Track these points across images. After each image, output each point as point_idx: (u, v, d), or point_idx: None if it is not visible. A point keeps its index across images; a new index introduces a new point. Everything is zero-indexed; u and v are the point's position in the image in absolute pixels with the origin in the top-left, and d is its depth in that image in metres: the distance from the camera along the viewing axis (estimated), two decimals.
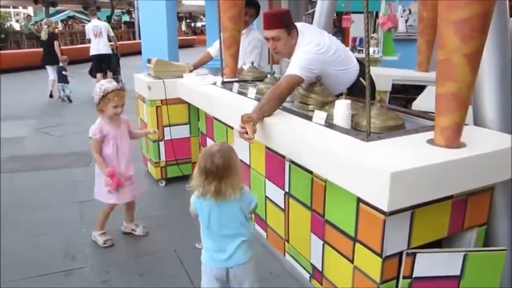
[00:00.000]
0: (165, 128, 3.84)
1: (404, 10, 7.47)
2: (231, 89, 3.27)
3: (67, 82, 8.93)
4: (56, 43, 9.18)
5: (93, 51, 9.15)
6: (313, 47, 2.62)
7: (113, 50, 9.48)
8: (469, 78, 1.71)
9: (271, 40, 2.70)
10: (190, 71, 3.90)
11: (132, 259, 2.86)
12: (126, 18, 24.20)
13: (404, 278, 1.86)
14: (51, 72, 9.24)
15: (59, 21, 20.52)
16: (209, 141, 3.69)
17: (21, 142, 5.68)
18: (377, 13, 7.38)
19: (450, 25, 1.66)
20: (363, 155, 1.78)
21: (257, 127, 2.37)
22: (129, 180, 2.90)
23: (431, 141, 1.87)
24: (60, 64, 9.03)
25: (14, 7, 22.33)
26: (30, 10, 22.71)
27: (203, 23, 24.13)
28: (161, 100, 3.76)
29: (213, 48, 4.24)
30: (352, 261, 1.99)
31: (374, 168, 1.64)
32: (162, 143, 3.88)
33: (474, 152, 1.77)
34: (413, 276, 1.87)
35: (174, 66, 3.96)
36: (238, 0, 3.53)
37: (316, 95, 2.61)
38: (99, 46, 9.10)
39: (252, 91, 2.95)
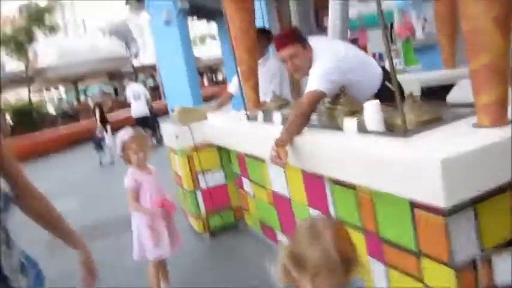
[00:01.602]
0: (199, 176, 3.76)
1: (419, 17, 7.31)
2: (256, 121, 3.17)
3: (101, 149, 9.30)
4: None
5: (135, 113, 9.72)
6: (329, 57, 2.51)
7: (150, 110, 10.04)
8: (501, 46, 1.54)
9: (288, 60, 2.61)
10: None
11: None
12: (150, 83, 25.15)
13: None
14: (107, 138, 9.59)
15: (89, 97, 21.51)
16: (245, 181, 3.57)
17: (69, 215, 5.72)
18: (392, 24, 7.23)
19: None
20: (405, 150, 1.62)
21: (288, 150, 2.25)
22: (171, 230, 2.79)
23: (475, 125, 1.67)
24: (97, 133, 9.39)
25: (46, 89, 23.66)
26: (60, 89, 24.01)
27: (223, 75, 24.77)
28: (191, 147, 3.70)
29: (233, 86, 4.20)
30: (421, 281, 1.76)
31: (421, 161, 1.47)
32: (199, 193, 3.78)
33: None
34: (496, 285, 1.62)
35: (198, 111, 3.93)
36: (251, 30, 3.50)
37: (343, 106, 2.45)
38: (139, 108, 9.68)
39: (277, 116, 2.84)
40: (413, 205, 1.68)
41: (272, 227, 3.22)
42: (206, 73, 31.21)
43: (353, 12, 6.97)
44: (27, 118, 14.98)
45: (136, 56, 23.23)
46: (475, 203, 1.56)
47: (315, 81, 2.43)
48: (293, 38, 2.59)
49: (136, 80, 19.62)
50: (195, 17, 13.01)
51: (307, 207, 2.58)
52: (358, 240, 2.11)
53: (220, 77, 31.18)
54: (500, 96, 1.58)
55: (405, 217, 1.73)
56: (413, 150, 1.58)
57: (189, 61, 10.11)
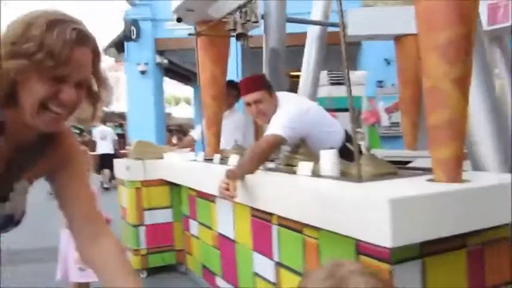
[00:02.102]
0: (145, 212, 3.59)
1: (386, 108, 7.70)
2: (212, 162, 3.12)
3: None
4: None
5: (99, 151, 9.87)
6: (293, 107, 2.55)
7: (114, 151, 10.24)
8: (461, 105, 1.60)
9: (253, 105, 2.63)
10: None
11: None
12: (118, 130, 24.82)
13: None
14: None
15: None
16: (192, 223, 3.43)
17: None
18: (360, 109, 7.56)
19: (433, 50, 1.59)
20: (357, 192, 1.59)
21: (241, 188, 2.19)
22: None
23: (431, 180, 1.69)
24: None
25: None
26: None
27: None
28: (141, 182, 3.57)
29: (195, 132, 4.19)
30: None
31: (369, 199, 1.44)
32: (142, 229, 3.59)
33: (481, 184, 1.58)
34: None
35: (156, 147, 3.85)
36: (220, 78, 3.57)
37: (302, 155, 2.46)
38: (104, 147, 9.93)
39: (234, 158, 2.80)
40: (359, 252, 1.63)
41: (213, 272, 3.06)
42: (175, 131, 31.26)
43: (323, 92, 7.27)
44: None
45: (107, 105, 23.00)
46: (423, 255, 1.53)
47: (276, 126, 2.44)
48: (260, 84, 2.64)
49: (104, 124, 19.41)
50: (172, 79, 13.36)
51: (251, 251, 2.47)
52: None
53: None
54: (457, 152, 1.61)
55: None
56: (362, 191, 1.56)
57: (159, 113, 10.18)
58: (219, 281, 2.97)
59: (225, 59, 3.67)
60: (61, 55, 0.88)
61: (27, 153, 1.03)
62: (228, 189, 2.11)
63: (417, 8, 1.65)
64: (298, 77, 4.62)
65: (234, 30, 3.01)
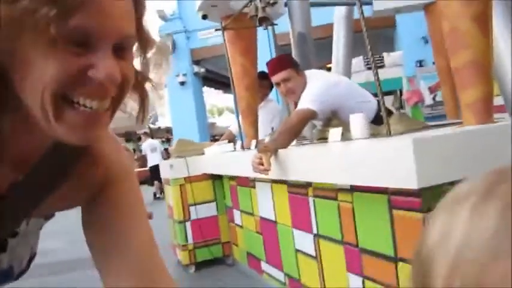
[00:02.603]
0: (190, 208, 3.67)
1: (429, 88, 7.46)
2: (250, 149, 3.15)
3: None
4: None
5: (150, 163, 10.15)
6: (322, 81, 2.54)
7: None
8: (483, 43, 1.53)
9: (281, 84, 2.65)
10: None
11: None
12: (165, 145, 25.54)
13: None
14: None
15: None
16: (236, 213, 3.47)
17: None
18: (401, 91, 7.38)
19: None
20: (385, 143, 1.56)
21: (275, 163, 2.20)
22: None
23: (461, 125, 1.63)
24: None
25: None
26: None
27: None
28: (184, 178, 3.66)
29: (233, 126, 4.24)
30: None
31: (395, 146, 1.42)
32: (188, 224, 3.67)
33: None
34: None
35: (196, 144, 3.94)
36: (250, 69, 3.60)
37: (335, 127, 2.44)
38: (155, 158, 10.09)
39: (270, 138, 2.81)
40: (392, 206, 1.60)
41: (258, 257, 3.08)
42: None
43: (361, 77, 7.16)
44: None
45: (154, 122, 23.82)
46: None
47: (306, 101, 2.45)
48: (287, 63, 2.65)
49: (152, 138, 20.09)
50: (212, 88, 13.63)
51: (291, 228, 2.47)
52: (338, 255, 2.00)
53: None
54: (486, 92, 1.54)
55: (384, 221, 1.64)
56: (392, 141, 1.53)
57: (201, 123, 10.40)
58: (264, 266, 2.99)
59: (254, 51, 3.70)
60: None
61: (36, 177, 0.61)
62: (261, 164, 2.12)
63: None
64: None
65: (256, 16, 3.03)
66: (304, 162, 2.07)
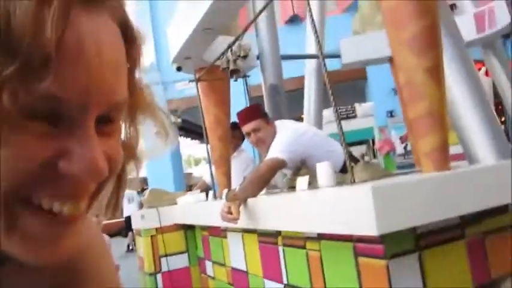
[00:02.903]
0: (161, 259, 3.59)
1: (400, 137, 7.69)
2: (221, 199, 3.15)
3: None
4: None
5: (126, 213, 9.83)
6: (291, 130, 2.61)
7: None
8: (437, 93, 1.62)
9: (252, 133, 2.70)
10: None
11: None
12: (141, 196, 25.18)
13: None
14: None
15: None
16: (207, 264, 3.40)
17: None
18: (373, 140, 7.57)
19: (403, 45, 1.64)
20: (347, 191, 1.59)
21: (244, 212, 2.21)
22: None
23: (420, 173, 1.68)
24: None
25: None
26: None
27: None
28: (156, 229, 3.60)
29: (207, 175, 4.24)
30: None
31: (356, 193, 1.45)
32: (159, 276, 3.57)
33: (469, 168, 1.57)
34: None
35: (169, 194, 3.91)
36: (224, 120, 3.66)
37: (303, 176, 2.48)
38: (131, 209, 9.77)
39: None
40: (357, 253, 1.61)
41: None
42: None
43: (333, 127, 7.32)
44: None
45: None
46: (420, 248, 1.50)
47: (276, 150, 2.49)
48: (256, 113, 2.72)
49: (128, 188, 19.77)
50: (188, 138, 13.69)
51: (262, 279, 2.44)
52: None
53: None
54: (442, 141, 1.61)
55: (350, 269, 1.64)
56: (354, 189, 1.57)
57: (176, 174, 10.35)
58: None
59: (227, 102, 3.78)
60: (41, 40, 0.29)
61: None
62: (230, 213, 2.13)
63: (382, 9, 1.73)
64: None
65: (228, 68, 3.13)
66: (273, 210, 2.08)
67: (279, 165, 2.45)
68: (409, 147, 7.63)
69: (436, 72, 1.62)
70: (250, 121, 2.68)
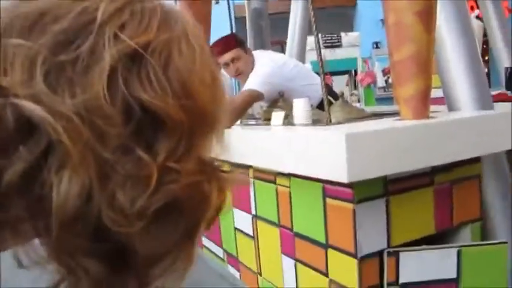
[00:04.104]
0: None
1: (383, 70, 7.59)
2: None
3: None
4: None
5: None
6: (269, 61, 2.52)
7: None
8: (425, 38, 1.54)
9: (230, 64, 2.60)
10: None
11: None
12: None
13: (389, 285, 1.54)
14: None
15: None
16: None
17: None
18: (355, 71, 7.47)
19: None
20: (321, 133, 1.56)
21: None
22: None
23: (397, 119, 1.65)
24: None
25: None
26: None
27: None
28: None
29: None
30: (327, 275, 1.67)
31: (329, 138, 1.41)
32: None
33: (447, 118, 1.54)
34: (400, 281, 1.55)
35: None
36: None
37: (280, 109, 2.42)
38: None
39: None
40: (326, 194, 1.61)
41: None
42: None
43: (315, 56, 7.17)
44: None
45: None
46: (388, 194, 1.51)
47: (252, 82, 2.42)
48: (234, 43, 2.60)
49: None
50: None
51: (231, 207, 2.47)
52: (274, 236, 2.02)
53: None
54: (423, 88, 1.56)
55: (318, 208, 1.66)
56: (326, 132, 1.53)
57: None
58: (204, 240, 3.00)
59: (207, 24, 3.59)
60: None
61: None
62: None
63: None
64: None
65: None
66: (245, 145, 2.04)
67: (256, 97, 2.39)
68: (391, 80, 7.60)
69: (426, 16, 1.53)
70: (228, 50, 2.56)
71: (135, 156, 0.32)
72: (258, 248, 2.23)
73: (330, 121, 1.76)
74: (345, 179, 1.33)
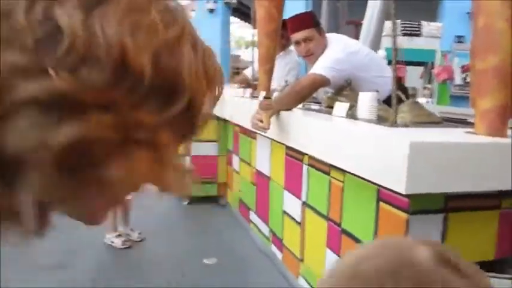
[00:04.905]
0: (193, 143, 3.68)
1: (462, 66, 7.13)
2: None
3: None
4: None
5: None
6: (342, 47, 2.43)
7: None
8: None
9: (302, 43, 2.54)
10: None
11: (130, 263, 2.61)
12: None
13: None
14: None
15: None
16: (234, 158, 3.49)
17: None
18: (433, 63, 7.08)
19: None
20: (383, 135, 1.50)
21: (276, 124, 2.16)
22: None
23: (470, 132, 1.55)
24: None
25: None
26: None
27: None
28: None
29: (249, 70, 4.14)
30: None
31: (392, 143, 1.35)
32: (188, 159, 3.70)
33: None
34: None
35: None
36: (275, 15, 3.43)
37: (345, 98, 2.35)
38: None
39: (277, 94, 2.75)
40: (380, 198, 1.56)
41: (248, 206, 3.15)
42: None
43: (390, 43, 6.84)
44: None
45: None
46: (448, 210, 1.43)
47: (321, 66, 2.35)
48: (310, 21, 2.53)
49: None
50: (241, 20, 13.18)
51: (282, 189, 2.47)
52: (321, 228, 2.00)
53: None
54: (503, 102, 1.45)
55: (369, 209, 1.61)
56: (390, 134, 1.46)
57: (224, 53, 10.15)
58: (252, 216, 3.04)
59: None
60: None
61: None
62: (261, 121, 2.08)
63: None
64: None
65: None
66: (303, 131, 2.02)
67: (322, 83, 2.32)
68: (469, 79, 7.15)
69: None
70: (302, 29, 2.50)
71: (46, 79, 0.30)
72: (304, 236, 2.23)
73: (396, 122, 1.68)
74: (402, 190, 1.28)
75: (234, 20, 12.24)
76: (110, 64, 0.31)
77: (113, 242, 2.77)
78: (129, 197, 2.72)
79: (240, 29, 19.28)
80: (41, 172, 0.31)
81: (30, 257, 2.31)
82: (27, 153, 0.30)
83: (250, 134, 2.99)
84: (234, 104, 3.26)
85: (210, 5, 9.25)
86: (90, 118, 0.31)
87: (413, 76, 7.84)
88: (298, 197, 2.27)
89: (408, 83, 7.54)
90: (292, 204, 2.34)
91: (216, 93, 0.42)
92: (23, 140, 0.30)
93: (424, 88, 6.56)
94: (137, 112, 0.33)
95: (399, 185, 1.28)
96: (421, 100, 6.90)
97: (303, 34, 2.50)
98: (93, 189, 0.35)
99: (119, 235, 2.79)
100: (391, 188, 1.35)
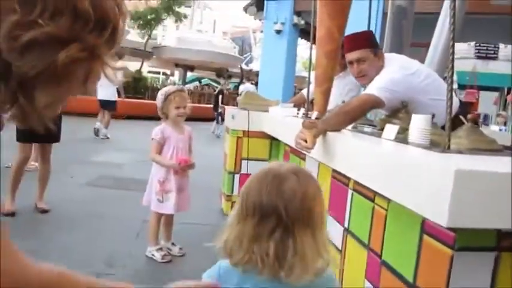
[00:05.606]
0: (242, 161, 3.66)
1: None
2: None
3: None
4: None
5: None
6: (399, 67, 2.29)
7: None
8: None
9: (355, 63, 2.44)
10: None
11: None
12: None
13: None
14: None
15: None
16: None
17: (121, 167, 5.97)
18: (509, 89, 6.61)
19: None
20: (429, 162, 1.36)
21: (322, 145, 2.06)
22: (181, 192, 2.74)
23: None
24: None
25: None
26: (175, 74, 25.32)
27: None
28: (243, 131, 3.62)
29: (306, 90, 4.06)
30: None
31: (436, 170, 1.21)
32: (237, 176, 3.68)
33: None
34: None
35: (263, 100, 3.85)
36: (336, 35, 3.35)
37: (399, 120, 2.20)
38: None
39: None
40: (424, 230, 1.42)
41: None
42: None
43: (466, 65, 6.45)
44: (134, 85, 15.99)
45: (247, 63, 23.96)
46: (501, 249, 1.27)
47: (376, 87, 2.23)
48: (365, 42, 2.42)
49: (241, 80, 20.32)
50: (308, 42, 13.18)
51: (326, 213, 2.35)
52: (361, 258, 1.87)
53: None
54: None
55: (412, 242, 1.47)
56: (437, 160, 1.32)
57: (288, 73, 10.16)
58: None
59: (344, 14, 3.41)
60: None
61: None
62: (305, 140, 2.00)
63: None
64: None
65: None
66: (348, 153, 1.90)
67: (375, 104, 2.20)
68: None
69: None
70: (356, 49, 2.40)
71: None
72: (344, 265, 2.09)
73: (449, 147, 1.53)
74: (444, 222, 1.14)
75: (302, 42, 12.27)
76: (70, 13, 0.52)
77: (153, 255, 2.77)
78: (172, 213, 2.74)
79: (307, 50, 19.30)
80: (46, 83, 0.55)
81: (69, 265, 2.35)
82: (40, 71, 0.52)
83: (300, 155, 2.91)
84: (286, 124, 3.20)
85: (278, 26, 9.36)
86: (70, 47, 0.53)
87: (486, 102, 7.37)
88: (341, 223, 2.14)
89: (481, 109, 7.07)
90: (334, 230, 2.21)
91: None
92: (38, 60, 0.51)
93: (498, 115, 6.12)
94: (91, 38, 0.55)
95: (441, 217, 1.14)
96: (494, 127, 6.42)
97: (356, 54, 2.41)
98: (77, 89, 0.60)
99: (160, 249, 2.80)
100: (433, 219, 1.21)
